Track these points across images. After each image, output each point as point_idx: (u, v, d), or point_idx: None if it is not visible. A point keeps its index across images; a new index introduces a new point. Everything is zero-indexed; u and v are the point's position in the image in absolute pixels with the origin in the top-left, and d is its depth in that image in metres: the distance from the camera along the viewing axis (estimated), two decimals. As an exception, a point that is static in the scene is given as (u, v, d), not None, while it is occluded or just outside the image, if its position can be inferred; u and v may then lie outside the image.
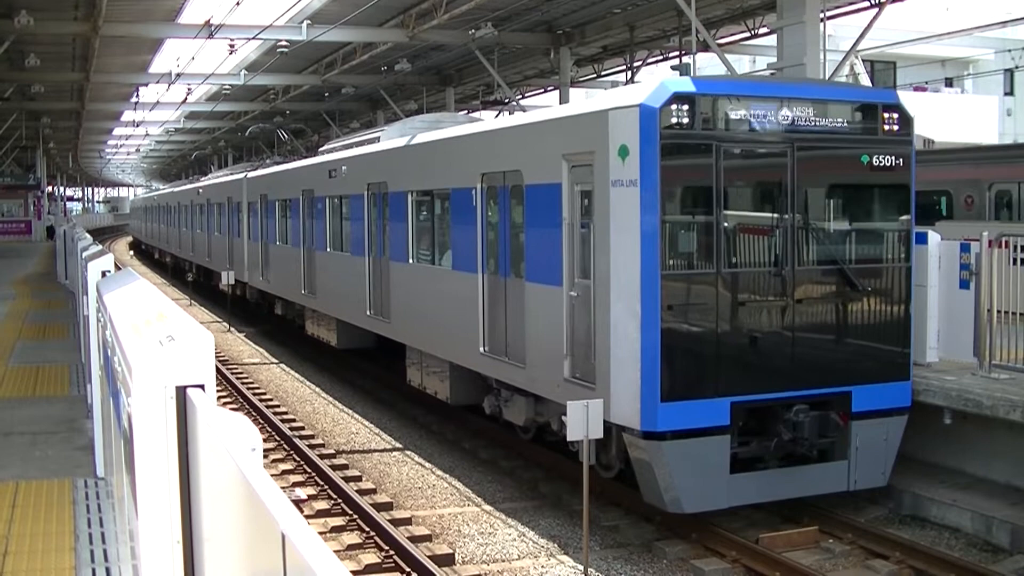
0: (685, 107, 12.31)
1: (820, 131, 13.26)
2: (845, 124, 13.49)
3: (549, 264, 14.18)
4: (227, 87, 40.74)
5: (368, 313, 21.96)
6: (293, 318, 30.44)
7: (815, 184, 13.53)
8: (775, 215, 13.18)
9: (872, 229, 14.27)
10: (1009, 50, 44.92)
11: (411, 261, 19.70)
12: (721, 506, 12.74)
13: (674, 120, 12.28)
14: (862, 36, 21.95)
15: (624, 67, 33.30)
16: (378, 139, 22.69)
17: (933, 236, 15.15)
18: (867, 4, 23.59)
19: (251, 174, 35.71)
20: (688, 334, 12.59)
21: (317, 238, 26.18)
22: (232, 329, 34.80)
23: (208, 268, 43.68)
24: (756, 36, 28.62)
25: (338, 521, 14.17)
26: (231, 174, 42.18)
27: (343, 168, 23.85)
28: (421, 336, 19.40)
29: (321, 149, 28.57)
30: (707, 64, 27.77)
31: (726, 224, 12.79)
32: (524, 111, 20.43)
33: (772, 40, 25.37)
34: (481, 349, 16.41)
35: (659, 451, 12.28)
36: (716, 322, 12.65)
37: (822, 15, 20.69)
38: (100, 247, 16.40)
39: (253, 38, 28.91)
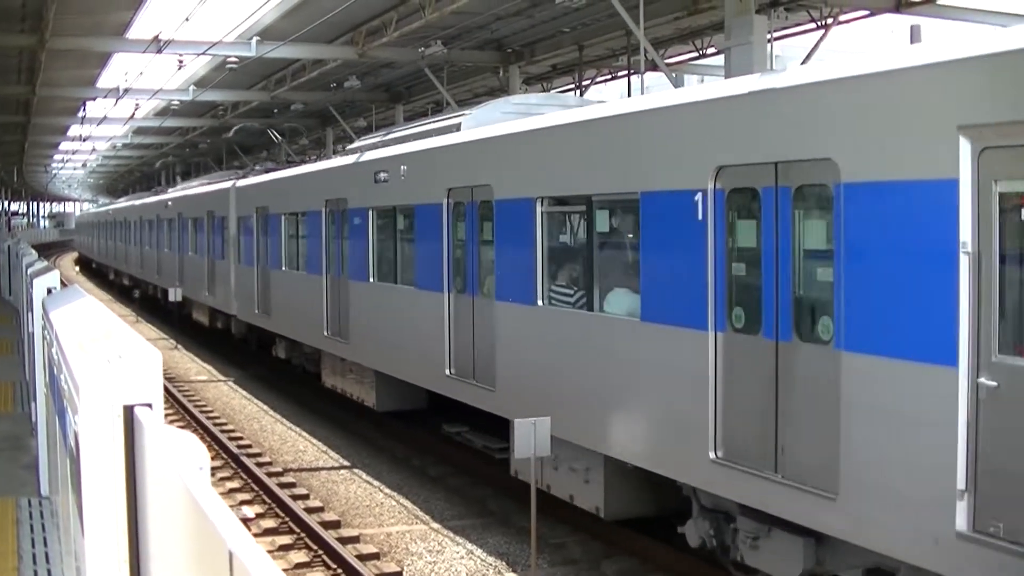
0: None
1: None
2: None
3: (917, 325, 8.35)
4: (176, 102, 40.46)
5: (449, 373, 15.91)
6: (301, 364, 25.08)
7: None
8: None
9: None
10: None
11: (542, 303, 13.25)
12: None
13: None
14: (809, 57, 22.17)
15: (573, 86, 33.45)
16: (458, 127, 16.77)
17: None
18: (813, 26, 23.87)
19: (242, 182, 29.98)
20: None
21: (353, 265, 20.06)
22: (179, 347, 34.53)
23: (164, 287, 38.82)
24: (704, 56, 28.80)
25: (286, 540, 14.12)
26: (211, 183, 36.38)
27: (402, 168, 17.61)
28: (564, 418, 12.56)
29: (351, 147, 22.69)
30: (655, 83, 28.02)
31: None
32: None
33: (720, 60, 25.58)
34: (712, 454, 10.30)
35: None
36: None
37: (769, 36, 20.89)
38: (46, 263, 16.25)
39: (202, 54, 28.75)
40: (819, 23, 23.40)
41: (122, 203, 62.47)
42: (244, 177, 31.11)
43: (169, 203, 40.13)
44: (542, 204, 13.46)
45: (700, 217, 10.50)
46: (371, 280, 19.22)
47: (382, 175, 18.44)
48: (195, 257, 34.90)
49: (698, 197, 10.53)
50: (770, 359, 9.71)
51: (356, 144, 22.28)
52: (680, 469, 10.96)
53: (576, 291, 13.06)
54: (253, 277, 27.25)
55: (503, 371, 14.37)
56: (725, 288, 10.34)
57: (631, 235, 12.16)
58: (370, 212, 19.14)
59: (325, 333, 21.39)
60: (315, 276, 22.09)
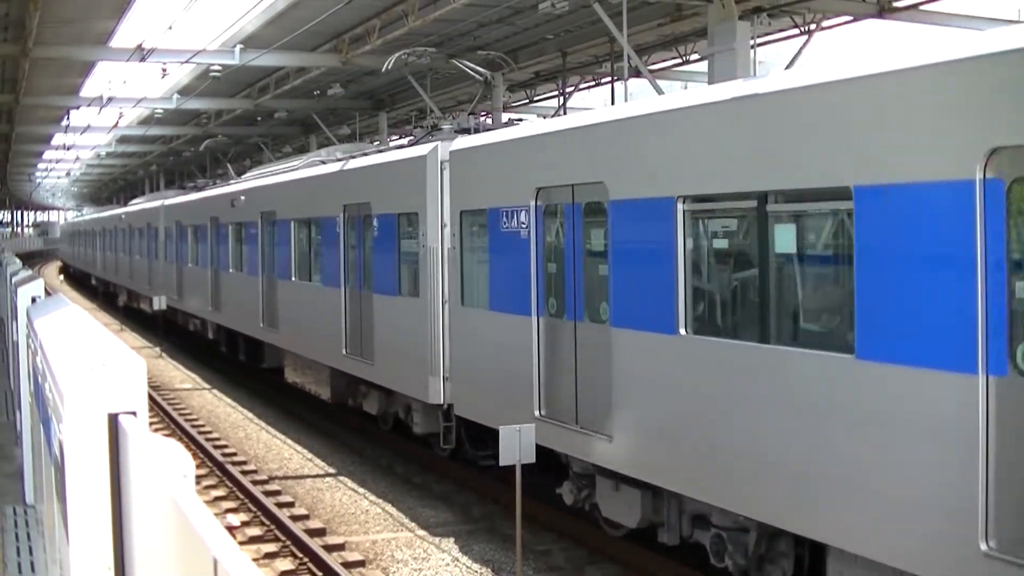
0: None
1: None
2: None
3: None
4: (159, 111, 40.42)
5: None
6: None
7: None
8: None
9: None
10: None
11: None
12: None
13: None
14: (792, 63, 22.26)
15: (556, 92, 33.51)
16: None
17: None
18: (796, 32, 23.95)
19: (462, 144, 15.59)
20: None
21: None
22: (164, 355, 34.46)
23: (232, 330, 28.72)
24: (687, 63, 28.92)
25: (271, 547, 14.11)
26: (323, 160, 23.44)
27: None
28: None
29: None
30: (638, 90, 28.06)
31: None
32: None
33: (703, 67, 25.66)
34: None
35: None
36: None
37: (753, 42, 20.96)
38: (30, 272, 16.23)
39: (186, 62, 28.73)
40: (802, 29, 23.47)
41: (143, 203, 46.85)
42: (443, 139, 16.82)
43: (242, 198, 27.64)
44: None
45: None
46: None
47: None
48: (304, 286, 22.48)
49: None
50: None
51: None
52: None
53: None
54: (532, 340, 13.22)
55: None
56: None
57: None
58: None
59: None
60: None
